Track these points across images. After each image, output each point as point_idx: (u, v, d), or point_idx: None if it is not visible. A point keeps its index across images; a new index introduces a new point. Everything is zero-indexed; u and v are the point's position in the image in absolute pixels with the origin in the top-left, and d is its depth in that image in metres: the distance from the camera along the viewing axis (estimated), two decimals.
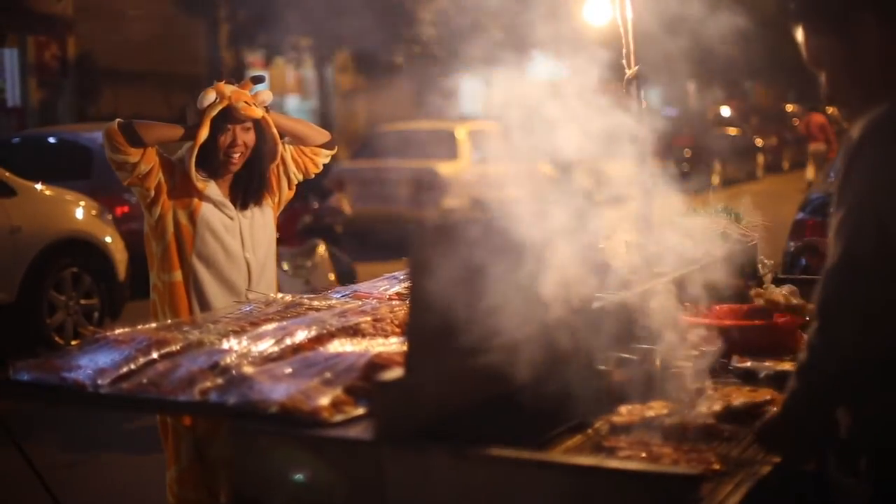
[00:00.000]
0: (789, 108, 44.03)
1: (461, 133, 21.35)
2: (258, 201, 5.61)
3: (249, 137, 5.48)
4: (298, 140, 5.76)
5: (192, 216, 5.43)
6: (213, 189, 5.47)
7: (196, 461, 5.33)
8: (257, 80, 5.63)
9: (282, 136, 5.65)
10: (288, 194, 5.76)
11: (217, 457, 5.25)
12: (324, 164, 5.87)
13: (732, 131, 33.93)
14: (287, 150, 5.69)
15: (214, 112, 5.36)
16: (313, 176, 5.85)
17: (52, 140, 17.34)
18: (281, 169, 5.67)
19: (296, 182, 5.76)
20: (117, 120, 5.34)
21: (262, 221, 5.63)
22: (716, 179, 29.59)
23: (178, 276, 5.44)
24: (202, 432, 5.26)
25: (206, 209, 5.44)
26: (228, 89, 5.42)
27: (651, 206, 5.47)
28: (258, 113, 5.46)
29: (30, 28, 25.97)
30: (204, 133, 5.35)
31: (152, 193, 5.37)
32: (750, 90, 54.40)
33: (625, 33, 5.38)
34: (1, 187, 11.84)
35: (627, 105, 5.45)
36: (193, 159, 5.38)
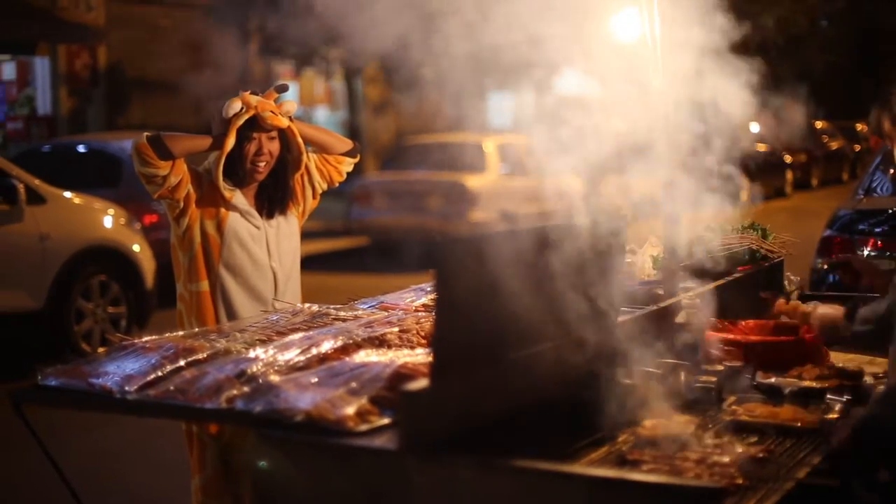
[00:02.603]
0: (819, 124, 43.86)
1: (489, 146, 21.34)
2: (283, 210, 5.63)
3: (274, 146, 5.49)
4: (321, 148, 5.78)
5: (220, 226, 5.44)
6: (239, 198, 5.49)
7: (221, 469, 5.34)
8: (281, 89, 5.64)
9: (305, 145, 5.66)
10: (312, 203, 5.78)
11: (242, 465, 5.26)
12: (347, 173, 5.90)
13: (761, 147, 33.80)
14: (311, 159, 5.70)
15: (241, 121, 5.37)
16: (337, 184, 5.86)
17: (81, 149, 17.41)
18: (305, 178, 5.68)
19: (320, 191, 5.78)
20: (145, 133, 5.34)
21: (287, 231, 5.65)
22: (744, 195, 29.53)
23: (205, 285, 5.45)
24: (228, 440, 5.27)
25: (232, 219, 5.46)
26: (254, 99, 5.44)
27: (678, 221, 5.47)
28: (284, 122, 5.47)
29: (61, 37, 26.07)
30: (231, 142, 5.37)
31: (181, 205, 5.38)
32: (779, 106, 54.20)
33: (653, 48, 5.38)
34: (31, 195, 11.89)
35: (655, 120, 5.45)
36: (221, 168, 5.39)
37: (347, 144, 5.85)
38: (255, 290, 5.49)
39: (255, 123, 5.40)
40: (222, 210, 5.45)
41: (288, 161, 5.57)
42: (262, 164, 5.47)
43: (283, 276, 5.59)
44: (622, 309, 4.60)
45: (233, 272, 5.46)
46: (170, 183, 5.31)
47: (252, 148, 5.43)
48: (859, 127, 46.18)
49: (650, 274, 5.76)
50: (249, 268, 5.48)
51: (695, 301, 4.87)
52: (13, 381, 4.57)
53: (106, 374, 4.13)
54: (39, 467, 4.89)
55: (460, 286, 3.49)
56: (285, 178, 5.59)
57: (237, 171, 5.46)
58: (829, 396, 4.34)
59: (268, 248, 5.54)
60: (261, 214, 5.56)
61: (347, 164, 5.86)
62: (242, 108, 5.38)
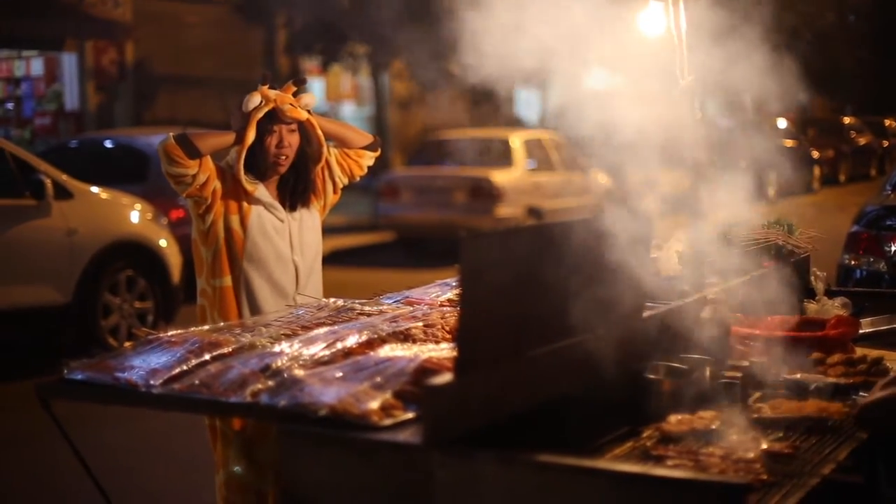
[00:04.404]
0: (846, 120, 43.70)
1: (516, 141, 21.36)
2: (305, 203, 5.63)
3: (294, 139, 5.50)
4: (341, 143, 5.79)
5: (243, 221, 5.44)
6: (262, 191, 5.50)
7: (245, 465, 5.34)
8: (300, 82, 5.65)
9: (326, 140, 5.67)
10: (333, 198, 5.78)
11: (266, 460, 5.27)
12: (368, 167, 5.90)
13: (789, 143, 33.71)
14: (331, 154, 5.71)
15: (260, 114, 5.38)
16: (358, 178, 5.86)
17: (108, 144, 17.48)
18: (326, 172, 5.69)
19: (341, 185, 5.78)
20: (171, 134, 5.35)
21: (310, 224, 5.65)
22: (771, 191, 29.44)
23: (228, 281, 5.45)
24: (251, 435, 5.28)
25: (256, 212, 5.46)
26: (272, 92, 5.46)
27: (704, 217, 5.46)
28: (303, 115, 5.49)
29: (88, 33, 26.16)
30: (251, 135, 5.38)
31: (208, 201, 5.38)
32: (807, 102, 53.98)
33: (679, 43, 5.37)
34: (58, 190, 11.93)
35: (682, 115, 5.45)
36: (242, 162, 5.41)
37: (367, 138, 5.86)
38: (277, 284, 5.49)
39: (275, 116, 5.42)
40: (245, 204, 5.45)
41: (308, 154, 5.58)
42: (284, 157, 5.48)
43: (305, 269, 5.59)
44: (647, 304, 4.60)
45: (256, 266, 5.46)
46: (198, 181, 5.33)
47: (273, 140, 5.44)
48: (887, 122, 46.01)
49: (676, 269, 5.75)
50: (273, 261, 5.49)
51: (720, 296, 4.86)
52: (40, 374, 4.59)
53: (131, 368, 4.14)
54: (65, 460, 4.91)
55: (485, 281, 3.49)
56: (306, 171, 5.60)
57: (258, 164, 5.47)
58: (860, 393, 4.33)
59: (290, 241, 5.55)
60: (283, 207, 5.56)
61: (368, 158, 5.86)
62: (261, 102, 5.40)
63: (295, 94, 5.54)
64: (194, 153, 5.29)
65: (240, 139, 5.42)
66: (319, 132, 5.58)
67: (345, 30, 26.65)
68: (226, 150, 5.49)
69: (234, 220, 5.44)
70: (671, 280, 5.45)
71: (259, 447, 5.28)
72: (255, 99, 5.41)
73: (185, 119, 22.35)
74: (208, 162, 5.36)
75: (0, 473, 8.75)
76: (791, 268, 5.83)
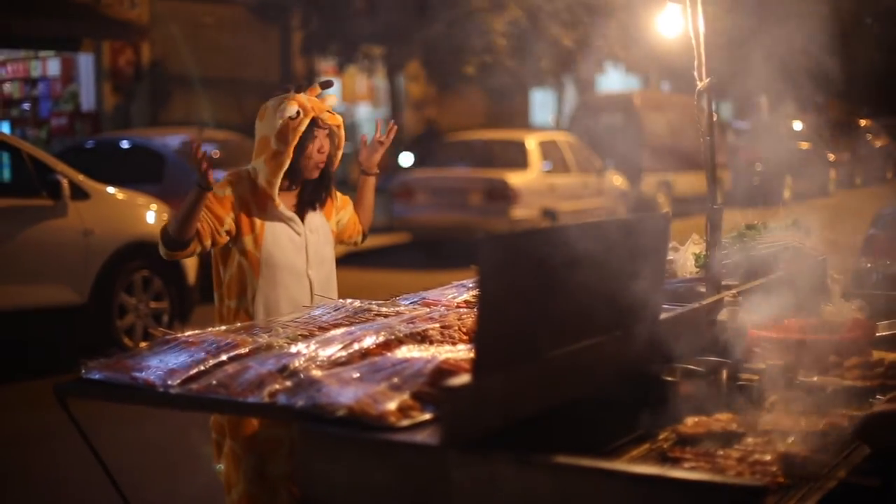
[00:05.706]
0: (863, 122, 43.55)
1: (531, 143, 21.36)
2: (322, 205, 5.61)
3: (328, 143, 5.48)
4: (361, 212, 5.99)
5: (257, 239, 5.36)
6: (282, 205, 5.45)
7: (257, 483, 5.28)
8: (326, 85, 5.61)
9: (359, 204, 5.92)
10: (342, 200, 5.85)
11: (277, 475, 5.23)
12: (354, 241, 6.07)
13: (804, 145, 33.60)
14: (349, 204, 5.87)
15: (303, 127, 5.32)
16: (343, 241, 5.98)
17: (124, 144, 17.51)
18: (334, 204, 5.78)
19: (337, 226, 5.84)
20: (160, 240, 5.32)
21: (325, 237, 5.60)
22: (787, 193, 29.38)
23: (244, 301, 5.40)
24: (262, 452, 5.22)
25: (270, 227, 5.39)
26: (306, 99, 5.40)
27: (721, 219, 5.45)
28: (339, 119, 5.49)
29: (105, 34, 26.21)
30: (291, 150, 5.32)
31: (227, 239, 5.36)
32: (823, 104, 53.74)
33: (696, 45, 5.37)
34: (74, 190, 11.96)
35: (699, 118, 5.44)
36: (279, 180, 5.35)
37: (367, 227, 6.05)
38: (292, 299, 5.43)
39: (315, 123, 5.38)
40: (258, 220, 5.39)
41: (331, 156, 5.57)
42: (323, 162, 5.48)
43: (320, 283, 5.53)
44: (664, 306, 4.59)
45: (270, 283, 5.40)
46: (207, 246, 5.30)
47: (315, 146, 5.41)
48: None
49: (692, 271, 5.75)
50: (287, 275, 5.42)
51: (737, 299, 4.85)
52: (57, 374, 4.59)
53: (149, 367, 4.15)
54: (82, 459, 4.92)
55: (502, 282, 3.49)
56: (329, 172, 5.58)
57: (292, 171, 5.41)
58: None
59: (307, 255, 5.50)
60: (301, 213, 5.51)
61: (357, 236, 5.98)
62: (299, 112, 5.34)
63: (318, 96, 5.52)
64: (184, 243, 5.26)
65: (281, 151, 5.36)
66: (342, 134, 5.58)
67: (360, 31, 26.65)
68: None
69: (248, 241, 5.37)
70: (688, 282, 5.45)
71: (270, 463, 5.24)
72: (291, 108, 5.33)
73: (200, 119, 22.39)
74: (204, 227, 5.30)
75: (13, 470, 8.77)
76: (808, 271, 5.82)
